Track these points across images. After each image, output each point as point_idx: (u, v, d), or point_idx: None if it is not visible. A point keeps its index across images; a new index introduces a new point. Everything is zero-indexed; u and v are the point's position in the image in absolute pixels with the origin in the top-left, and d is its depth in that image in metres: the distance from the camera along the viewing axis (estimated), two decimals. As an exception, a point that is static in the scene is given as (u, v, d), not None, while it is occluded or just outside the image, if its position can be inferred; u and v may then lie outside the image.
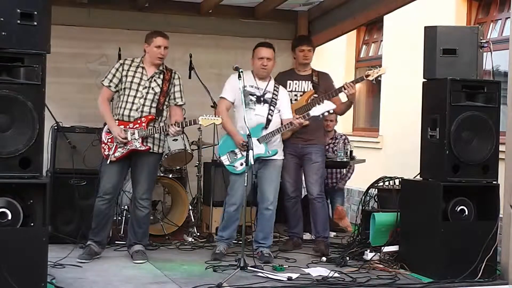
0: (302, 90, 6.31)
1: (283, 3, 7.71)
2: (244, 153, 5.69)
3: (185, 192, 6.97)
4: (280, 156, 6.00)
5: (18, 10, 4.36)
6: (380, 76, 6.07)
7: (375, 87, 9.38)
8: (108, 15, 7.41)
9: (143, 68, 5.76)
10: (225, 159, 5.92)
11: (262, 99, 5.90)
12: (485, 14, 7.67)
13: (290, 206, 6.40)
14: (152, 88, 5.72)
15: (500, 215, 5.43)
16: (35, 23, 4.41)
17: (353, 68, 10.10)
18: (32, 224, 4.44)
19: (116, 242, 6.30)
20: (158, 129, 5.68)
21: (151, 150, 5.71)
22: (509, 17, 6.98)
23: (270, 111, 5.89)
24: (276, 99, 5.94)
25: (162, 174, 6.89)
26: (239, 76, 5.63)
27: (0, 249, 4.22)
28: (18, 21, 4.37)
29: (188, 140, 7.01)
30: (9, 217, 4.36)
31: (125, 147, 5.64)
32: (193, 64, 7.27)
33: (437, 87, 5.51)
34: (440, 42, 5.49)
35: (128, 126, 5.66)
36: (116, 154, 5.64)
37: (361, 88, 10.01)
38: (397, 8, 7.05)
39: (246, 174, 5.38)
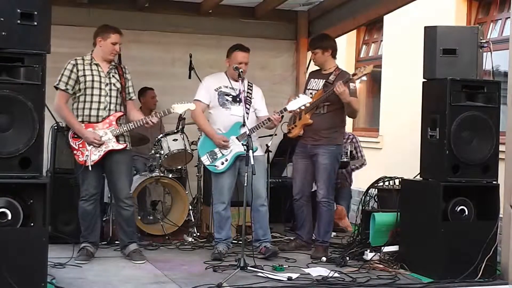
0: (317, 88, 6.21)
1: (283, 3, 7.72)
2: (224, 152, 5.85)
3: (185, 192, 6.97)
4: (260, 152, 5.99)
5: (18, 10, 4.36)
6: (365, 75, 5.97)
7: (375, 87, 9.39)
8: (108, 15, 7.39)
9: (97, 65, 5.62)
10: (205, 159, 5.94)
11: (238, 99, 5.90)
12: (485, 14, 7.67)
13: (295, 208, 6.37)
14: (114, 84, 5.62)
15: (500, 215, 5.43)
16: (35, 23, 4.41)
17: (353, 68, 10.09)
18: (32, 224, 4.44)
19: (116, 242, 6.29)
20: (131, 125, 5.59)
21: (128, 148, 5.67)
22: (509, 17, 6.99)
23: (246, 109, 5.87)
24: (250, 98, 5.94)
25: (162, 174, 6.89)
26: (239, 75, 5.68)
27: (0, 249, 4.23)
28: (18, 21, 4.37)
29: (188, 140, 7.01)
30: (9, 217, 4.35)
31: (100, 149, 5.54)
32: (193, 64, 7.28)
33: (437, 87, 5.51)
34: (440, 42, 5.49)
35: (97, 128, 5.55)
36: (94, 158, 5.53)
37: (361, 88, 10.01)
38: (397, 8, 7.05)
39: (246, 174, 5.37)
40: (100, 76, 5.60)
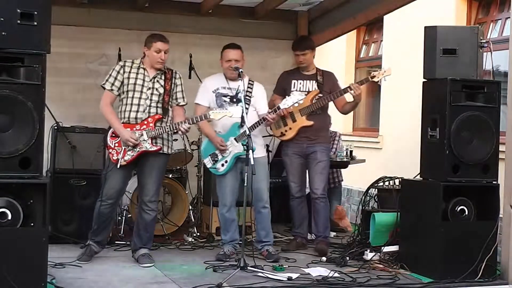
0: (307, 90, 6.30)
1: (283, 3, 7.71)
2: (224, 154, 5.83)
3: (185, 192, 6.97)
4: (261, 153, 5.97)
5: (18, 10, 4.37)
6: (385, 77, 6.04)
7: (375, 87, 9.38)
8: (108, 15, 7.40)
9: (144, 69, 5.66)
10: (207, 162, 5.97)
11: (235, 99, 5.88)
12: (485, 14, 7.66)
13: (295, 206, 6.41)
14: (156, 89, 5.63)
15: (500, 215, 5.43)
16: (35, 23, 4.41)
17: (353, 68, 10.10)
18: (32, 224, 4.44)
19: (116, 242, 6.30)
20: (167, 128, 5.59)
21: (161, 151, 5.64)
22: (509, 17, 6.98)
23: (245, 109, 5.87)
24: (250, 96, 5.92)
25: (162, 174, 6.88)
26: (239, 76, 5.67)
27: (0, 249, 4.23)
28: (18, 21, 4.37)
29: (188, 140, 7.01)
30: (9, 217, 4.36)
31: (135, 150, 5.53)
32: (193, 64, 7.27)
33: (437, 87, 5.51)
34: (440, 42, 5.49)
35: (135, 128, 5.55)
36: (126, 158, 5.54)
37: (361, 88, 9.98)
38: (397, 8, 7.04)
39: (246, 174, 5.37)
40: (144, 80, 5.62)
